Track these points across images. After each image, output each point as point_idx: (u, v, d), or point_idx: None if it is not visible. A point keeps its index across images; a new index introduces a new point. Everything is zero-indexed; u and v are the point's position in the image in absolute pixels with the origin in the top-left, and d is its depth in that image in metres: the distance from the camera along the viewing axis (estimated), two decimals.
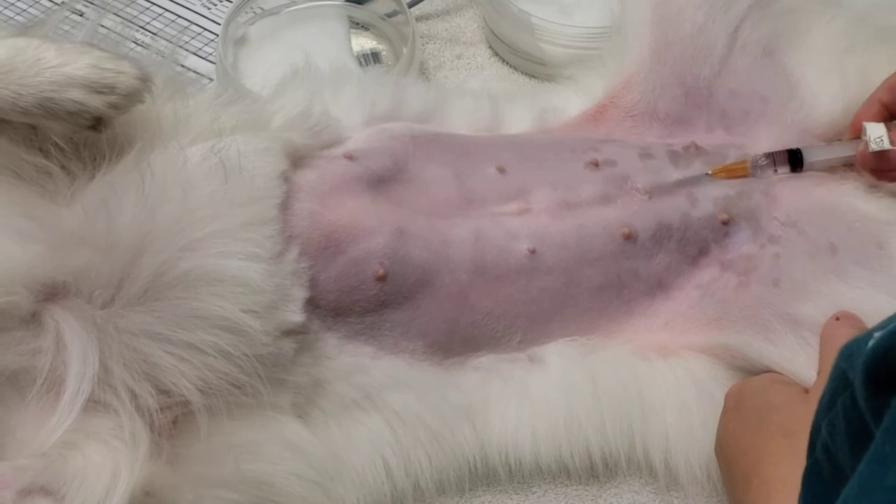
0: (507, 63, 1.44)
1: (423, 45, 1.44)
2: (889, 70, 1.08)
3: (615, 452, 1.04)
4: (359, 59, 1.37)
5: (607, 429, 1.03)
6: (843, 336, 0.95)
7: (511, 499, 1.07)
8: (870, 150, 1.02)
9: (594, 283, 1.06)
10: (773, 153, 1.09)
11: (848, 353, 0.58)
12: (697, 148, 1.12)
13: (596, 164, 1.09)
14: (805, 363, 0.97)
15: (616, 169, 1.10)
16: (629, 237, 1.06)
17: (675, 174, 1.10)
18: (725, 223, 1.08)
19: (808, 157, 1.08)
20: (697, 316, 1.07)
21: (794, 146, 1.10)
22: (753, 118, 1.14)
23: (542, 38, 1.36)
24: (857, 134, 1.06)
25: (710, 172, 1.10)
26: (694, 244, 1.08)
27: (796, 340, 0.99)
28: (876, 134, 1.02)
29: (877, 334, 0.55)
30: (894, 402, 0.53)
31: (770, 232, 1.08)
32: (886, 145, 1.01)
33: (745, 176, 1.09)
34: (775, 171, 1.09)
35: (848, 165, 1.09)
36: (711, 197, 1.09)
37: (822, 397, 0.62)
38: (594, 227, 1.06)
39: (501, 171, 1.08)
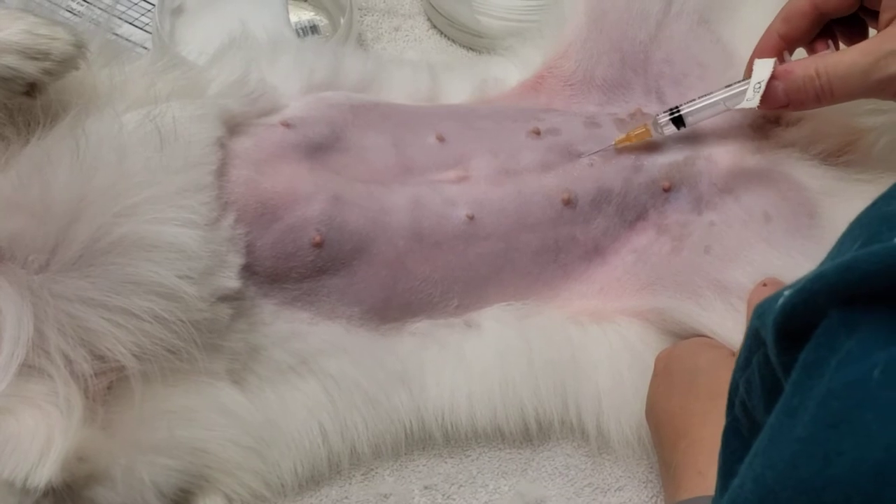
0: (445, 35, 1.44)
1: (361, 17, 1.44)
2: None
3: (549, 415, 1.06)
4: (297, 31, 1.36)
5: (542, 392, 1.05)
6: None
7: (446, 462, 1.08)
8: (746, 101, 0.96)
9: (532, 247, 1.07)
10: (668, 110, 1.06)
11: (760, 312, 0.59)
12: (643, 114, 1.13)
13: (538, 133, 1.10)
14: (733, 328, 1.00)
15: (559, 137, 1.10)
16: (568, 202, 1.07)
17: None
18: (667, 190, 1.09)
19: (689, 116, 1.05)
20: (631, 281, 1.08)
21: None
22: (692, 82, 1.14)
23: (480, 11, 1.37)
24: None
25: (614, 144, 1.09)
26: (633, 209, 1.09)
27: (724, 306, 1.01)
28: (756, 79, 0.96)
29: (787, 292, 0.56)
30: (802, 356, 0.54)
31: (708, 199, 1.08)
32: (756, 101, 0.95)
33: (649, 138, 1.08)
34: (678, 127, 1.06)
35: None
36: (657, 164, 1.09)
37: (739, 356, 0.63)
38: (533, 194, 1.07)
39: (441, 139, 1.09)
